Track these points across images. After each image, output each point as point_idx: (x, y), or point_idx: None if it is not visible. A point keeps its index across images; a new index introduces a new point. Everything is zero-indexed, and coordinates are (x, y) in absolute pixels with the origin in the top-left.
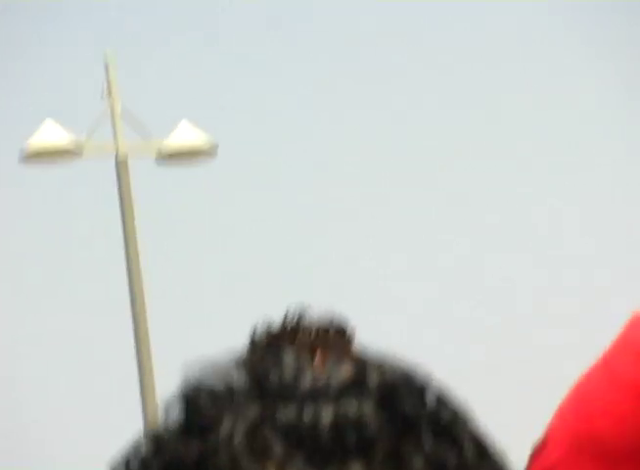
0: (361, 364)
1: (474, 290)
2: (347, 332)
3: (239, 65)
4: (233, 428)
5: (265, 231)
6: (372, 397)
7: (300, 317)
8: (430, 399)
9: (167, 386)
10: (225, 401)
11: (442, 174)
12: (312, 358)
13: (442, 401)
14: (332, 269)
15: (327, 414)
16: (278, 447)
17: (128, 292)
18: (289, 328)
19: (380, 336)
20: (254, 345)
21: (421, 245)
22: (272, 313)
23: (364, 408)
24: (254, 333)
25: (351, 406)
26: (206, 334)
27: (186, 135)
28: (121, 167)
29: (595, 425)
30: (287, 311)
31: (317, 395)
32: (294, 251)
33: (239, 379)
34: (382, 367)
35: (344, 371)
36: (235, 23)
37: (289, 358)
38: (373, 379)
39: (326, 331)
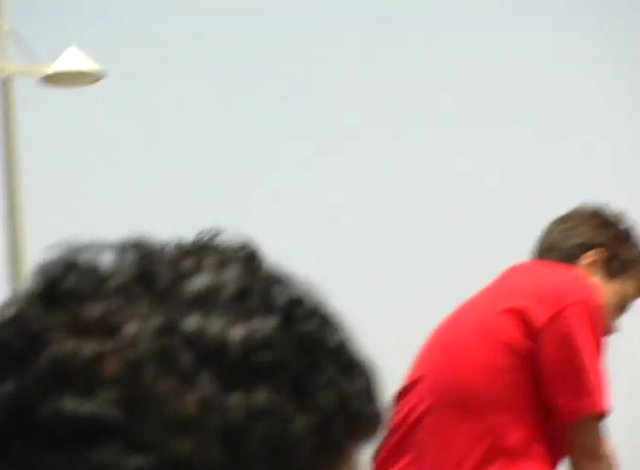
0: (265, 279)
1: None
2: (256, 256)
3: None
4: (138, 332)
5: (148, 155)
6: (278, 315)
7: (211, 238)
8: (330, 324)
9: None
10: (102, 288)
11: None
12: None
13: (339, 327)
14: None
15: (236, 332)
16: (186, 360)
17: (6, 208)
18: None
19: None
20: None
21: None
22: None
23: (273, 329)
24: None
25: (261, 325)
26: None
27: (73, 61)
28: (7, 87)
29: (463, 376)
30: (198, 233)
31: (211, 301)
32: (173, 172)
33: (128, 265)
34: (286, 284)
35: (240, 281)
36: None
37: (188, 262)
38: (279, 295)
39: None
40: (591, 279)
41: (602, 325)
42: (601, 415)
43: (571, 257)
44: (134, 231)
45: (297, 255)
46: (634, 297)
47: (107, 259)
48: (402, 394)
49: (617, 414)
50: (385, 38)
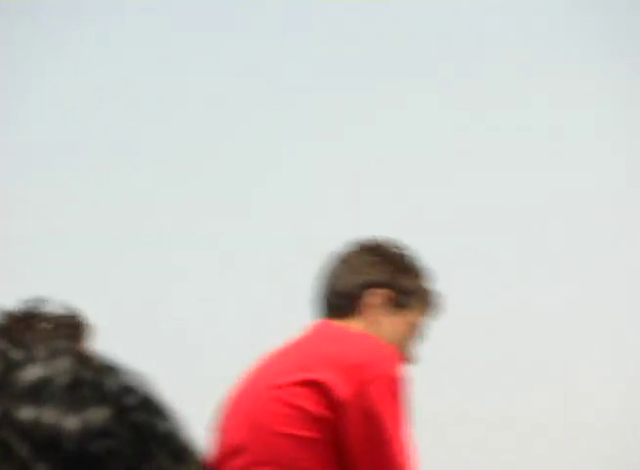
0: (96, 365)
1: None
2: (81, 326)
3: None
4: None
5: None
6: (110, 405)
7: (37, 308)
8: (160, 413)
9: None
10: None
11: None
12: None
13: (169, 416)
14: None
15: (70, 422)
16: (22, 451)
17: None
18: (22, 318)
19: None
20: None
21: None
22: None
23: (105, 419)
24: None
25: (94, 415)
26: None
27: None
28: None
29: (271, 448)
30: (23, 302)
31: (44, 392)
32: None
33: None
34: (117, 374)
35: (71, 368)
36: None
37: (14, 353)
38: (110, 385)
39: (58, 323)
40: (378, 317)
41: (403, 397)
42: None
43: (355, 299)
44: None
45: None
46: (423, 323)
47: None
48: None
49: (617, 415)
50: (381, 98)
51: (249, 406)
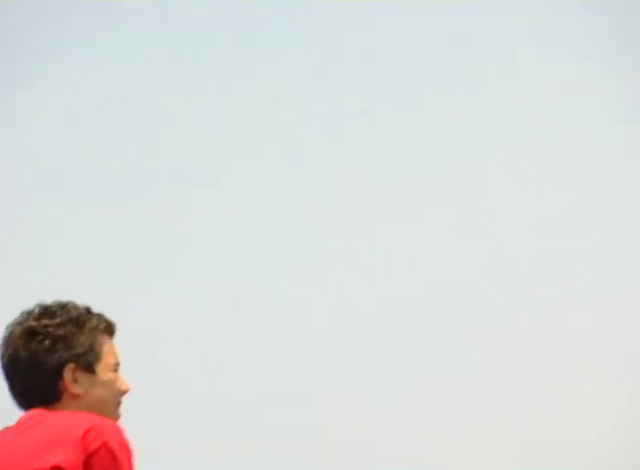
0: None
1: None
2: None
3: None
4: None
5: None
6: None
7: None
8: None
9: None
10: None
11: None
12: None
13: None
14: None
15: None
16: None
17: None
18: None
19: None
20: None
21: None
22: None
23: None
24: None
25: None
26: None
27: None
28: None
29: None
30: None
31: None
32: None
33: None
34: None
35: None
36: None
37: None
38: None
39: None
40: (79, 393)
41: (132, 462)
42: None
43: (53, 387)
44: None
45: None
46: (120, 380)
47: None
48: None
49: (617, 417)
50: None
51: None
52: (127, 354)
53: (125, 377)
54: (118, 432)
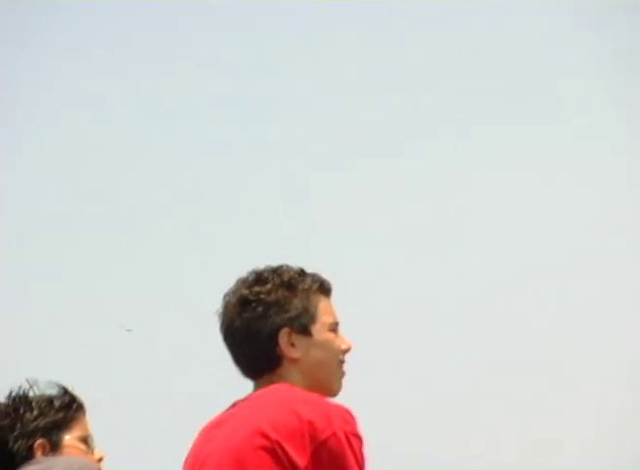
0: None
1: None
2: (76, 404)
3: None
4: None
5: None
6: None
7: (23, 396)
8: None
9: None
10: None
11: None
12: (31, 448)
13: None
14: None
15: None
16: None
17: None
18: (12, 412)
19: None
20: None
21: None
22: None
23: None
24: None
25: None
26: None
27: None
28: None
29: None
30: (13, 389)
31: None
32: None
33: None
34: None
35: None
36: None
37: None
38: None
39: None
40: (297, 356)
41: (362, 451)
42: None
43: (271, 353)
44: None
45: None
46: (339, 339)
47: None
48: None
49: (617, 416)
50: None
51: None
52: None
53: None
54: (348, 420)
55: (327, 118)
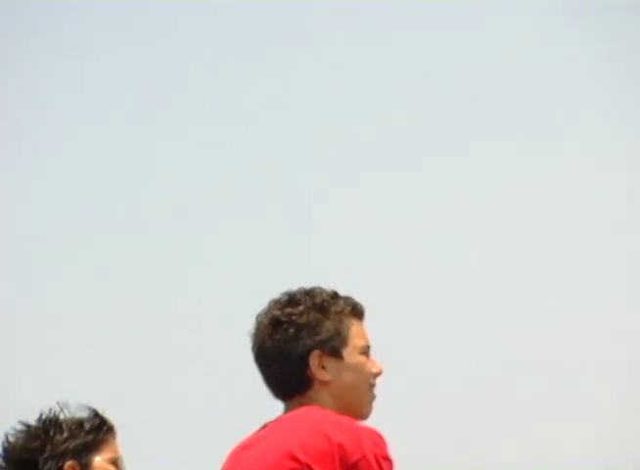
0: None
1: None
2: (106, 426)
3: None
4: None
5: None
6: None
7: (54, 417)
8: None
9: None
10: None
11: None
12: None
13: None
14: None
15: None
16: None
17: None
18: (42, 434)
19: None
20: (7, 453)
21: None
22: None
23: None
24: (8, 441)
25: None
26: None
27: None
28: None
29: None
30: (44, 411)
31: None
32: None
33: None
34: None
35: None
36: None
37: None
38: None
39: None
40: (328, 379)
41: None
42: None
43: (301, 375)
44: None
45: None
46: (370, 363)
47: None
48: None
49: (617, 415)
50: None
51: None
52: None
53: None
54: (378, 443)
55: (333, 126)
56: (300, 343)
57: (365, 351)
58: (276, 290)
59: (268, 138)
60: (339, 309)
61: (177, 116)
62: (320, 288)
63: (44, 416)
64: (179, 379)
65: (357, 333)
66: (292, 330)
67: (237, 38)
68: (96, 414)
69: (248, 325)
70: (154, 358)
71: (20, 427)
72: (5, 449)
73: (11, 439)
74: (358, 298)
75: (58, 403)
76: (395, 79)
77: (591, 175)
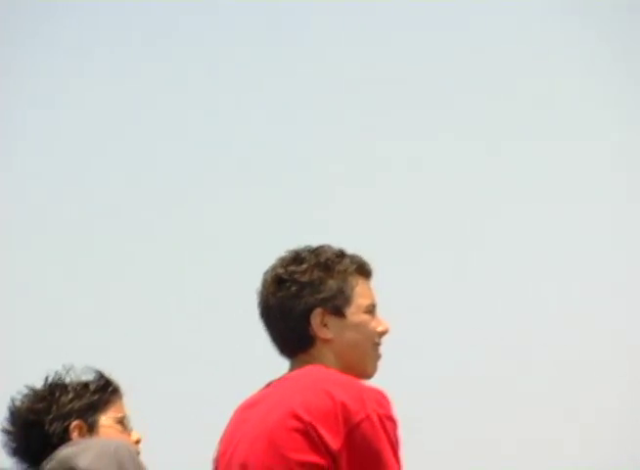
0: None
1: None
2: (112, 387)
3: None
4: None
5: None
6: None
7: (60, 379)
8: None
9: None
10: None
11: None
12: (67, 429)
13: None
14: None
15: None
16: None
17: None
18: (47, 395)
19: None
20: (14, 415)
21: None
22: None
23: None
24: (14, 405)
25: None
26: None
27: None
28: None
29: None
30: (50, 374)
31: None
32: None
33: None
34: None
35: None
36: None
37: None
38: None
39: (85, 388)
40: (330, 337)
41: (397, 434)
42: None
43: (304, 333)
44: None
45: None
46: (375, 321)
47: None
48: None
49: (616, 415)
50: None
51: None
52: None
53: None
54: (382, 403)
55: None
56: (302, 301)
57: (370, 309)
58: None
59: (267, 138)
60: (343, 268)
61: (177, 115)
62: (328, 246)
63: (50, 379)
64: (179, 379)
65: (362, 292)
66: (294, 288)
67: (237, 38)
68: (101, 376)
69: (248, 324)
70: (153, 358)
71: (25, 391)
72: (11, 413)
73: (17, 403)
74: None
75: (63, 367)
76: (395, 79)
77: (591, 175)
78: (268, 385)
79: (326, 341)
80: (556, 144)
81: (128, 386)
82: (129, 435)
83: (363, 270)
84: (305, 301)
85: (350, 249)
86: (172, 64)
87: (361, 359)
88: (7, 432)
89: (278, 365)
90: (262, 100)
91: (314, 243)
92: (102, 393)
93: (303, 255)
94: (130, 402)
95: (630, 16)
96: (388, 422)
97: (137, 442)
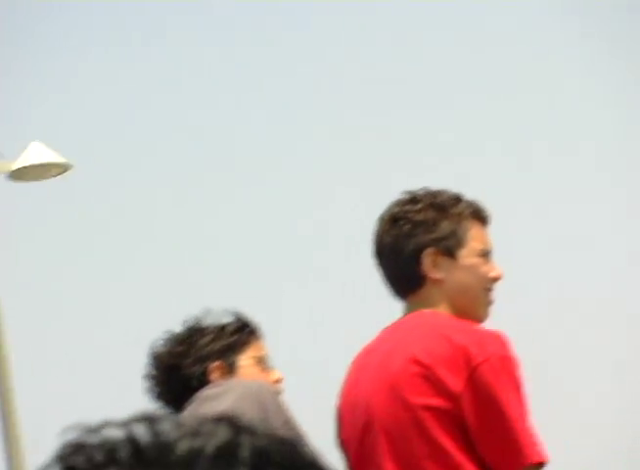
0: (235, 429)
1: None
2: (249, 328)
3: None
4: None
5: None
6: (245, 466)
7: (198, 323)
8: None
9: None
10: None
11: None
12: (206, 371)
13: None
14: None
15: None
16: None
17: None
18: (186, 338)
19: None
20: (155, 360)
21: None
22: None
23: None
24: (154, 349)
25: None
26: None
27: (38, 155)
28: None
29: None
30: (184, 320)
31: (192, 462)
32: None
33: (119, 445)
34: (255, 434)
35: (220, 436)
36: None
37: (166, 425)
38: (245, 446)
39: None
40: (440, 277)
41: (518, 374)
42: (537, 466)
43: (414, 272)
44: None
45: None
46: (487, 266)
47: (115, 436)
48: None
49: (613, 414)
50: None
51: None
52: None
53: None
54: (502, 344)
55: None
56: (414, 240)
57: (483, 254)
58: (277, 290)
59: (267, 138)
60: (458, 211)
61: (177, 115)
62: (446, 190)
63: (188, 323)
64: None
65: (476, 236)
66: (407, 227)
67: (237, 38)
68: (238, 318)
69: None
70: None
71: (165, 335)
72: (153, 357)
73: (157, 348)
74: (359, 297)
75: (201, 310)
76: (395, 79)
77: (591, 175)
78: (384, 330)
79: (436, 281)
80: (556, 144)
81: None
82: (269, 374)
83: (479, 215)
84: (417, 240)
85: (350, 248)
86: (172, 64)
87: (472, 303)
88: (150, 376)
89: (279, 365)
90: (262, 100)
91: (314, 243)
92: (239, 334)
93: (420, 195)
94: None
95: (630, 16)
96: (508, 363)
97: (277, 381)
